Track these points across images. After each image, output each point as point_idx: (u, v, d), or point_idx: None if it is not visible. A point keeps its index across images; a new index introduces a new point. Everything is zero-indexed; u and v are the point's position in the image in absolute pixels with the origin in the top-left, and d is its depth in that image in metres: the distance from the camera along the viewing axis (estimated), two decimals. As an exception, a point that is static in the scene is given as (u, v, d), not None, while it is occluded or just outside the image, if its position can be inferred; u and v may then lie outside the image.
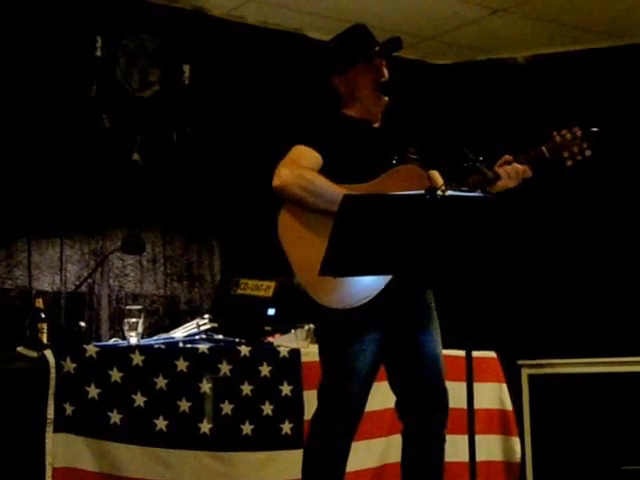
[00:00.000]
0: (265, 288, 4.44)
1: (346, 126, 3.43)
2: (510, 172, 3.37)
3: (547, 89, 6.06)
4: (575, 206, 5.82)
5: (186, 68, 5.45)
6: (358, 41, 3.48)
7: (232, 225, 5.52)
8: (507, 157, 3.42)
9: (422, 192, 2.87)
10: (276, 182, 3.30)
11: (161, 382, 3.88)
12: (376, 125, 3.50)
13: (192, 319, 4.59)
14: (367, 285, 3.18)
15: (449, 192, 3.00)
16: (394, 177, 3.32)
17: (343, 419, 3.31)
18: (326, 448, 3.32)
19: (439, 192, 2.90)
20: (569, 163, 3.39)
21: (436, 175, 3.37)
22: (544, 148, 3.40)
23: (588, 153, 3.38)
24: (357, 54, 3.44)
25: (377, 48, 3.45)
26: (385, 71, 3.46)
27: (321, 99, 3.59)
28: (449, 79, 6.18)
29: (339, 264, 2.88)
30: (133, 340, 3.99)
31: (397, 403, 3.43)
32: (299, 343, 4.34)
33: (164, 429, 3.84)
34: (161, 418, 3.85)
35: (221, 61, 5.59)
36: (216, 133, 5.53)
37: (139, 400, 3.81)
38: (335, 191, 3.19)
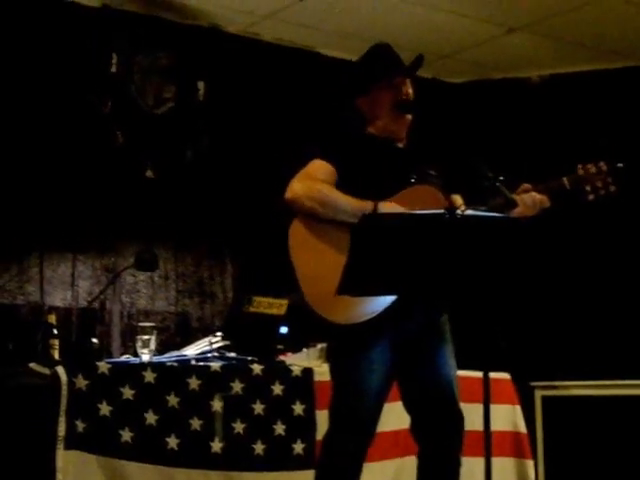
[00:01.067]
0: (278, 306, 4.42)
1: (367, 143, 3.43)
2: (527, 200, 3.32)
3: (562, 109, 6.05)
4: (592, 231, 5.78)
5: (201, 85, 5.45)
6: (380, 60, 3.47)
7: (244, 242, 5.50)
8: (526, 186, 3.38)
9: (441, 211, 2.84)
10: (288, 195, 3.30)
11: (173, 400, 3.86)
12: (400, 145, 3.48)
13: (203, 336, 4.56)
14: (373, 300, 3.14)
15: (468, 212, 2.97)
16: (410, 196, 3.29)
17: (354, 440, 3.27)
18: (337, 469, 3.28)
19: (458, 212, 2.88)
20: (591, 197, 3.35)
21: (458, 199, 3.34)
22: (565, 180, 3.36)
23: (613, 189, 3.33)
24: (378, 73, 3.44)
25: (399, 67, 3.44)
26: (406, 89, 3.45)
27: (341, 116, 3.58)
28: (465, 97, 6.18)
29: (357, 283, 2.86)
30: (145, 357, 3.97)
31: (412, 425, 3.39)
32: (311, 362, 4.31)
33: (175, 448, 3.81)
34: (173, 437, 3.82)
35: (236, 78, 5.59)
36: (230, 150, 5.53)
37: (151, 418, 3.79)
38: (348, 200, 3.20)
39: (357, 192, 3.26)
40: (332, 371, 3.37)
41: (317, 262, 3.21)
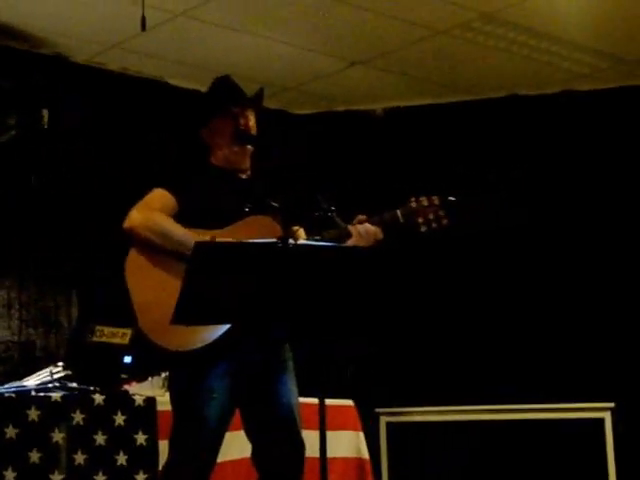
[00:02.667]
0: (121, 335, 4.39)
1: (208, 174, 3.47)
2: (361, 231, 3.36)
3: (404, 141, 6.21)
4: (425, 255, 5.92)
5: (45, 112, 5.38)
6: (218, 91, 3.53)
7: (90, 270, 5.44)
8: (361, 217, 3.42)
9: (274, 240, 2.90)
10: (126, 224, 3.33)
11: (11, 432, 3.78)
12: (244, 176, 3.52)
13: (48, 366, 4.49)
14: (207, 327, 3.17)
15: (301, 241, 3.04)
16: (246, 226, 3.34)
17: (194, 470, 3.25)
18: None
19: (291, 241, 2.94)
20: (423, 229, 3.39)
21: (300, 231, 3.38)
22: (399, 212, 3.41)
23: (445, 221, 3.39)
24: (216, 104, 3.50)
25: (238, 97, 3.49)
26: (245, 120, 3.49)
27: (185, 147, 3.62)
28: (308, 129, 6.28)
29: (191, 312, 2.86)
30: (-19, 389, 3.88)
31: (253, 452, 3.40)
32: (155, 391, 4.28)
33: (12, 481, 3.74)
34: (10, 470, 3.73)
35: (81, 106, 5.55)
36: (75, 177, 5.48)
37: (-15, 452, 3.71)
38: (183, 232, 3.25)
39: (196, 222, 3.31)
40: (172, 400, 3.36)
41: (153, 291, 3.23)
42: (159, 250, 3.28)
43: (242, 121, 3.49)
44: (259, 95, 3.57)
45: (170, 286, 2.99)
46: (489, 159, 6.08)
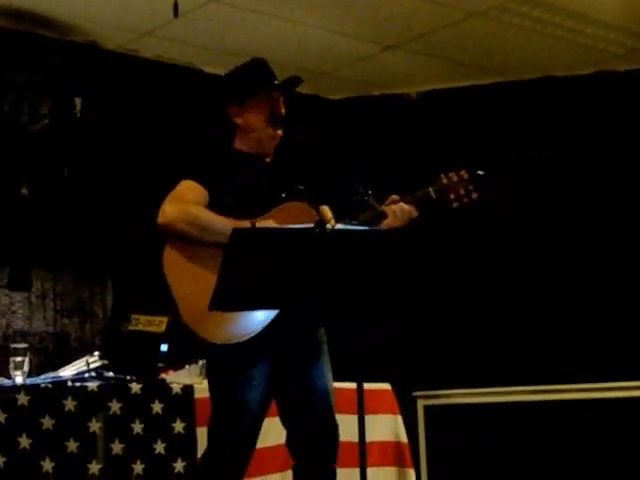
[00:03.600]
0: (158, 323, 4.38)
1: (236, 161, 3.42)
2: (397, 211, 3.36)
3: (439, 124, 6.16)
4: (461, 241, 5.90)
5: (77, 101, 5.38)
6: (257, 74, 3.47)
7: (124, 259, 5.44)
8: (394, 197, 3.42)
9: (311, 226, 2.87)
10: (161, 219, 3.27)
11: (48, 422, 3.77)
12: (267, 160, 3.49)
13: (83, 357, 4.48)
14: (253, 320, 3.16)
15: (338, 226, 3.01)
16: (282, 213, 3.31)
17: (233, 457, 3.26)
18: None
19: (328, 226, 2.91)
20: (455, 205, 3.41)
21: (326, 210, 3.38)
22: (431, 189, 3.42)
23: (475, 196, 3.41)
24: (255, 86, 3.44)
25: (275, 82, 3.45)
26: (281, 106, 3.46)
27: (214, 133, 3.57)
28: (343, 113, 6.24)
29: (229, 299, 2.86)
30: (19, 379, 3.88)
31: (288, 438, 3.40)
32: (192, 379, 4.28)
33: (50, 471, 3.73)
34: (47, 460, 3.73)
35: (115, 94, 5.53)
36: (109, 166, 5.47)
37: (24, 442, 3.69)
38: (223, 222, 3.19)
39: (229, 211, 3.26)
40: (212, 388, 3.36)
41: (193, 284, 3.18)
42: (197, 242, 3.23)
43: (279, 105, 3.45)
44: (297, 82, 3.52)
45: (211, 278, 2.95)
46: (524, 141, 6.01)
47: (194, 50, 5.67)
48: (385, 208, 3.34)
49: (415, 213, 3.40)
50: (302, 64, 5.60)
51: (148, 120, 5.59)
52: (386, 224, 3.32)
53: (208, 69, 5.83)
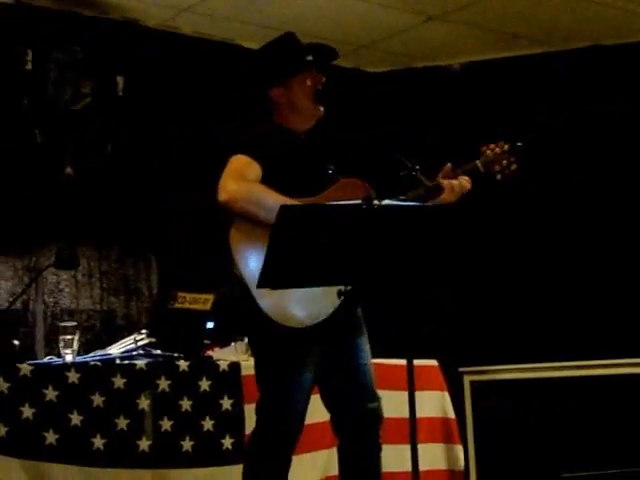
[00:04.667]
0: (203, 301, 4.38)
1: (283, 137, 3.37)
2: (455, 186, 3.32)
3: (482, 95, 6.09)
4: (511, 216, 5.84)
5: (119, 79, 5.38)
6: (294, 51, 3.42)
7: (169, 237, 5.45)
8: (449, 165, 3.38)
9: (358, 202, 2.84)
10: (224, 196, 3.19)
11: (98, 400, 3.79)
12: (303, 136, 3.44)
13: (130, 334, 4.50)
14: (320, 307, 3.15)
15: (385, 201, 2.98)
16: (340, 190, 3.28)
17: (282, 434, 3.26)
18: (266, 464, 3.27)
19: (375, 202, 2.88)
20: (499, 177, 3.39)
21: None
22: (478, 162, 3.38)
23: (514, 167, 3.38)
24: (297, 64, 3.39)
25: (309, 57, 3.41)
26: (322, 81, 3.41)
27: (256, 110, 3.54)
28: (385, 87, 6.19)
29: (276, 276, 2.84)
30: (68, 357, 3.90)
31: (331, 418, 3.41)
32: (239, 356, 4.28)
33: (101, 448, 3.75)
34: (98, 437, 3.75)
35: (155, 72, 5.54)
36: (151, 144, 5.47)
37: (75, 419, 3.72)
38: (283, 202, 3.09)
39: (282, 188, 3.20)
40: (261, 365, 3.35)
41: (257, 262, 3.06)
42: (257, 222, 3.17)
43: (321, 81, 3.41)
44: (335, 55, 3.48)
45: None
46: (571, 111, 5.92)
47: (233, 25, 5.66)
48: (442, 181, 3.30)
49: (469, 186, 3.36)
50: (342, 37, 5.56)
51: (190, 96, 5.58)
52: (441, 199, 3.28)
53: (248, 44, 5.80)
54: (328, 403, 3.40)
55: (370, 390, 3.36)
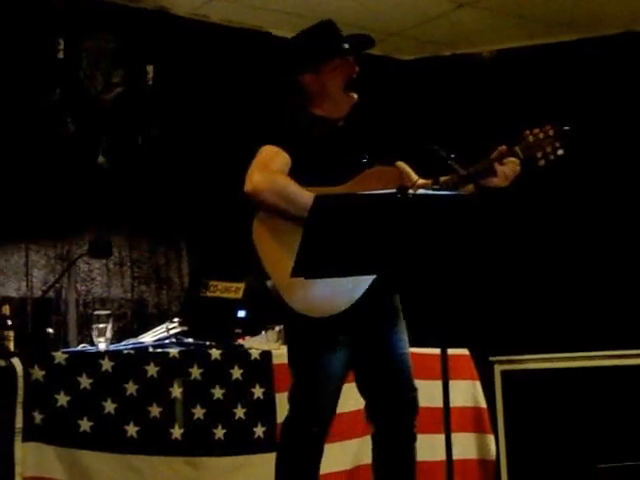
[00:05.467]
0: (235, 290, 4.39)
1: (315, 126, 3.36)
2: (508, 173, 3.24)
3: (512, 83, 6.05)
4: (546, 205, 5.81)
5: (150, 68, 5.39)
6: (329, 37, 3.40)
7: (199, 226, 5.46)
8: (503, 147, 3.27)
9: (393, 191, 2.83)
10: (249, 187, 3.20)
11: (131, 388, 3.82)
12: (340, 123, 3.43)
13: (160, 323, 4.53)
14: (345, 295, 3.15)
15: (420, 191, 2.96)
16: (369, 178, 3.27)
17: (315, 423, 3.27)
18: (298, 452, 3.29)
19: (410, 191, 2.86)
20: (541, 163, 3.24)
21: (404, 167, 3.32)
22: (518, 149, 3.26)
23: (560, 152, 3.24)
24: (330, 50, 3.37)
25: (346, 45, 3.39)
26: (356, 68, 3.40)
27: (287, 98, 3.53)
28: (414, 75, 6.16)
29: (310, 265, 2.84)
30: (102, 346, 3.93)
31: (367, 405, 3.41)
32: (270, 345, 4.29)
33: (135, 435, 3.79)
34: (132, 424, 3.79)
35: (185, 61, 5.54)
36: (182, 133, 5.48)
37: (109, 407, 3.76)
38: (309, 198, 3.05)
39: (311, 177, 3.21)
40: (294, 356, 3.36)
41: (285, 256, 3.09)
42: (282, 214, 3.18)
43: (355, 68, 3.39)
44: (371, 42, 3.46)
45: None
46: (604, 99, 5.87)
47: (262, 13, 5.64)
48: (497, 167, 3.22)
49: (518, 168, 3.25)
50: (371, 24, 5.51)
51: (220, 85, 5.58)
52: (494, 184, 3.22)
53: (277, 32, 5.80)
54: (364, 390, 3.40)
55: (408, 379, 3.36)
